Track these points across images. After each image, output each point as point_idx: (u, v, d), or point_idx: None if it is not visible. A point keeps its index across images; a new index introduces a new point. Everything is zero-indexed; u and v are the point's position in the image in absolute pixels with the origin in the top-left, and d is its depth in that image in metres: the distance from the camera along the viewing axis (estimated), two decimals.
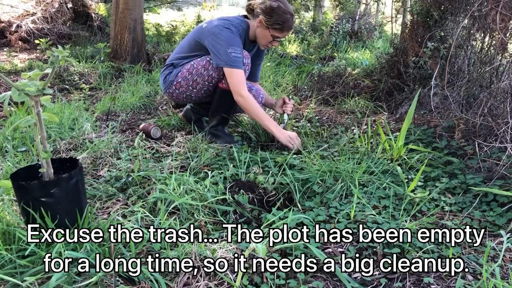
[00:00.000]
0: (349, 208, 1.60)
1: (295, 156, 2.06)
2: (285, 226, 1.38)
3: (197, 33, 2.32)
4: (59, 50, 1.19)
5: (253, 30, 2.32)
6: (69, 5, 6.74)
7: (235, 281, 1.18)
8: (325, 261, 1.25)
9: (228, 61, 2.16)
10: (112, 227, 1.32)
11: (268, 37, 2.27)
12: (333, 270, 1.24)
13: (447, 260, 1.30)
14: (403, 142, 2.03)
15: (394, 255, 1.32)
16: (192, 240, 1.31)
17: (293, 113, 2.39)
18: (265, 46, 2.36)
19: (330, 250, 1.40)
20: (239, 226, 1.48)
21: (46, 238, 1.22)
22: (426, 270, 1.26)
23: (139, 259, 1.22)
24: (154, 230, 1.35)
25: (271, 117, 2.37)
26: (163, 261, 1.23)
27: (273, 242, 1.36)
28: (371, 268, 1.29)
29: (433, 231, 1.42)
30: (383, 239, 1.37)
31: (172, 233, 1.32)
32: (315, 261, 1.29)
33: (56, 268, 1.12)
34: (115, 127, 2.66)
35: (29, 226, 1.23)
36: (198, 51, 2.31)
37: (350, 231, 1.48)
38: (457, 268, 1.26)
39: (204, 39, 2.25)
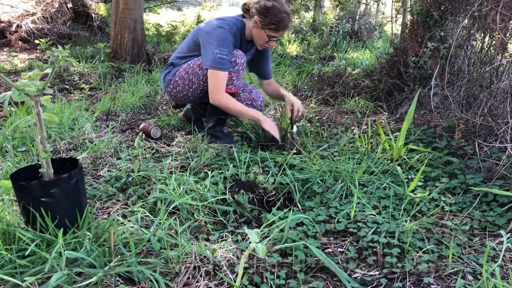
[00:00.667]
0: (349, 208, 1.60)
1: (295, 156, 2.06)
2: (285, 226, 1.38)
3: (195, 33, 2.32)
4: (59, 50, 1.19)
5: (250, 30, 2.30)
6: (69, 5, 6.74)
7: (235, 281, 1.18)
8: (325, 261, 1.25)
9: (212, 62, 2.15)
10: (112, 227, 1.32)
11: (264, 37, 2.26)
12: (333, 270, 1.24)
13: (447, 260, 1.30)
14: (403, 142, 2.03)
15: (394, 255, 1.32)
16: (192, 240, 1.31)
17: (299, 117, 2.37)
18: (262, 46, 2.34)
19: (330, 250, 1.40)
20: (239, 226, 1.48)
21: (46, 238, 1.22)
22: (426, 270, 1.26)
23: (139, 259, 1.22)
24: (154, 230, 1.35)
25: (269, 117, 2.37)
26: (163, 261, 1.23)
27: (273, 242, 1.37)
28: (371, 268, 1.29)
29: (433, 231, 1.42)
30: (383, 239, 1.38)
31: (172, 233, 1.32)
32: (315, 261, 1.29)
33: (56, 268, 1.12)
34: (115, 127, 2.66)
35: (30, 227, 1.23)
36: (197, 51, 2.31)
37: (350, 231, 1.48)
38: (457, 268, 1.26)
39: (200, 38, 2.25)
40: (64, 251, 1.15)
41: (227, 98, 2.20)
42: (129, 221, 1.47)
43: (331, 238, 1.46)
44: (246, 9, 2.30)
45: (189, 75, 2.30)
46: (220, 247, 1.33)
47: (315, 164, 1.93)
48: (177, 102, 2.61)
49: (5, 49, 5.63)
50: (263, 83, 2.58)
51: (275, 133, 2.19)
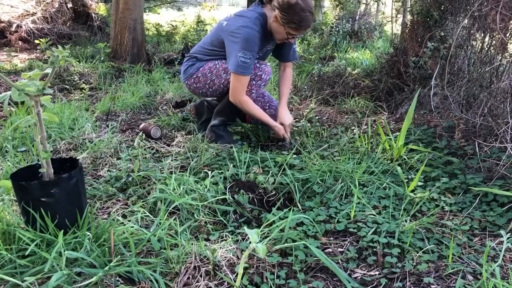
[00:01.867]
0: (349, 208, 1.60)
1: (295, 156, 2.06)
2: (285, 226, 1.38)
3: (218, 31, 2.28)
4: (59, 50, 1.19)
5: (270, 23, 2.20)
6: (69, 5, 6.75)
7: (235, 281, 1.18)
8: (325, 261, 1.25)
9: (235, 67, 2.14)
10: (112, 227, 1.32)
11: (283, 34, 2.18)
12: (333, 270, 1.24)
13: (447, 260, 1.30)
14: (403, 142, 2.03)
15: (394, 255, 1.32)
16: (192, 240, 1.31)
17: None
18: (281, 41, 2.28)
19: (330, 250, 1.40)
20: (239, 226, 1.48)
21: (46, 238, 1.22)
22: (426, 270, 1.26)
23: (139, 259, 1.22)
24: (154, 230, 1.35)
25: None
26: (163, 261, 1.23)
27: (273, 242, 1.37)
28: (371, 268, 1.29)
29: (433, 231, 1.41)
30: (383, 239, 1.38)
31: (172, 233, 1.32)
32: (315, 261, 1.29)
33: (56, 268, 1.12)
34: (115, 127, 2.66)
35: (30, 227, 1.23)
36: (220, 47, 2.28)
37: (350, 231, 1.48)
38: (457, 268, 1.26)
39: (224, 38, 2.22)
40: (64, 251, 1.15)
41: (246, 101, 2.24)
42: (129, 221, 1.47)
43: (331, 238, 1.46)
44: None
45: (212, 75, 2.31)
46: (220, 247, 1.33)
47: (315, 164, 1.93)
48: (194, 94, 2.66)
49: (5, 49, 5.63)
50: (279, 64, 2.52)
51: (285, 137, 2.32)
